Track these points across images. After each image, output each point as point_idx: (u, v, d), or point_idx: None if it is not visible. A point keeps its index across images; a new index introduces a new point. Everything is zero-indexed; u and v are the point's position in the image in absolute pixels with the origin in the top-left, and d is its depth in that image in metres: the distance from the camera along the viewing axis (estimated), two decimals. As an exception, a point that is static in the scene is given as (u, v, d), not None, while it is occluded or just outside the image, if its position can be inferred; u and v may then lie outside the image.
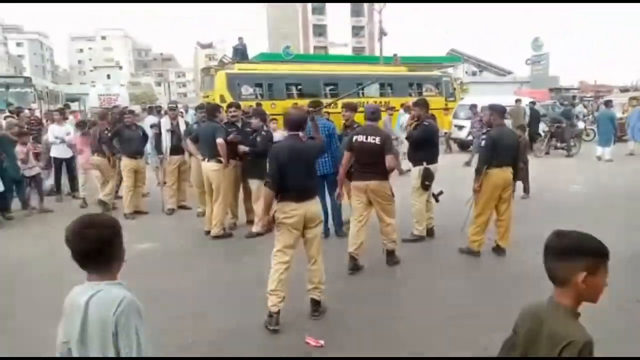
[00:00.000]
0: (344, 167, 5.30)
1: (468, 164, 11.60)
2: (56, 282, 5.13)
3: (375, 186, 5.13)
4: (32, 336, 3.91)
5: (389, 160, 5.04)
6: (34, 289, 4.95)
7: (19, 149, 8.13)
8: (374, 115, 5.33)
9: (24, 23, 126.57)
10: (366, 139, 5.11)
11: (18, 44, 78.22)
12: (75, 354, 1.77)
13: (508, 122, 9.69)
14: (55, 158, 9.05)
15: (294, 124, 4.10)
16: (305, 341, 3.66)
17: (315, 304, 4.14)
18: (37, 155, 8.76)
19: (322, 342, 3.66)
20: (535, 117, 14.99)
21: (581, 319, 1.65)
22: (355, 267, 5.18)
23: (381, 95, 18.21)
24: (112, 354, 1.68)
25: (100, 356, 1.71)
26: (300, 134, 4.13)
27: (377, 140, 5.08)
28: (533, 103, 15.51)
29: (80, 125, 9.21)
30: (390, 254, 5.37)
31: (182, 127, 8.25)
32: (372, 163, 5.08)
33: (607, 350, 3.54)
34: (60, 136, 8.96)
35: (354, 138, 5.19)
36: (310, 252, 4.14)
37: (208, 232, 6.64)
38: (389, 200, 5.25)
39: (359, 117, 7.05)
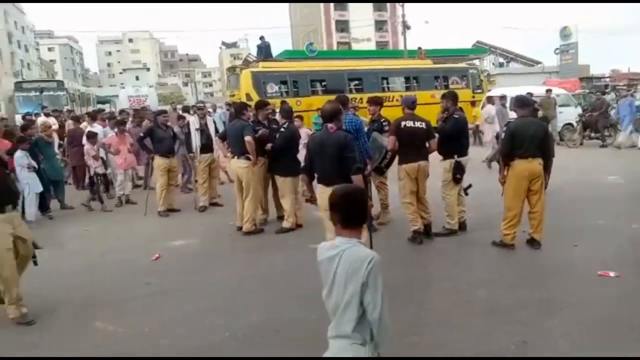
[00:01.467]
0: (393, 150, 5.91)
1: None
2: (95, 277, 5.31)
3: (425, 166, 5.80)
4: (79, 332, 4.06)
5: (432, 143, 5.82)
6: (76, 285, 5.10)
7: (88, 147, 8.59)
8: (414, 104, 5.98)
9: (55, 28, 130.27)
10: (414, 124, 5.74)
11: (49, 49, 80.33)
12: (325, 299, 2.16)
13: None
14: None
15: (325, 115, 4.66)
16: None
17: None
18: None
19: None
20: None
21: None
22: (421, 239, 5.81)
23: (407, 89, 18.04)
24: (355, 301, 2.03)
25: (337, 300, 2.08)
26: (329, 125, 4.53)
27: (424, 125, 5.76)
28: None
29: (120, 123, 9.29)
30: (429, 227, 5.91)
31: (210, 126, 8.36)
32: (420, 145, 5.78)
33: (612, 343, 3.45)
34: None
35: (402, 124, 5.75)
36: None
37: (240, 228, 6.73)
38: (427, 178, 5.89)
39: (384, 111, 7.05)
